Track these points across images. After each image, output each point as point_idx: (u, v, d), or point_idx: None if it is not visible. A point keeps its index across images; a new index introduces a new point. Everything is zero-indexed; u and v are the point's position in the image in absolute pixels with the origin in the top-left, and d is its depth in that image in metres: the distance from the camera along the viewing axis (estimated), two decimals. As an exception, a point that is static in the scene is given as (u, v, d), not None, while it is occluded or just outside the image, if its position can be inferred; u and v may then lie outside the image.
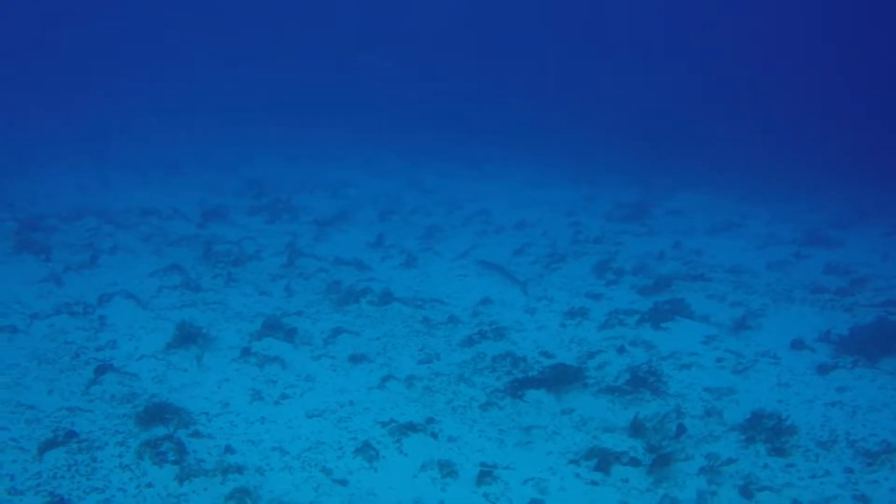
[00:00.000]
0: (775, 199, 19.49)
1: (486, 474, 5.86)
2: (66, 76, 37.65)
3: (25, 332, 8.27)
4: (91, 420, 6.39)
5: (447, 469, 5.90)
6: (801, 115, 29.89)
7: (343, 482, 5.72)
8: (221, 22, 49.76)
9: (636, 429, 6.66)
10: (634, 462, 6.12)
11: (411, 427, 6.46)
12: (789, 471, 6.15)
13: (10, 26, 44.52)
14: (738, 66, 37.36)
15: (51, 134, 26.05)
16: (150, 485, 5.46)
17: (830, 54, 36.05)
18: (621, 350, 8.53)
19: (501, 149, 27.98)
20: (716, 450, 6.40)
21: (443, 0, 48.20)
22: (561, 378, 7.45)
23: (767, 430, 6.61)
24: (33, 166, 19.95)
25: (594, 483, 5.89)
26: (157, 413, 6.37)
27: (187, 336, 8.06)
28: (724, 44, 41.03)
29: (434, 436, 6.44)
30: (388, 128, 30.94)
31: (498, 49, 45.64)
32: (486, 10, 48.81)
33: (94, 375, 7.19)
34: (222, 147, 25.50)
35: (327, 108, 34.43)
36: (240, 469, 5.72)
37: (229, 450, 6.06)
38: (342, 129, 30.54)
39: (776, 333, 9.27)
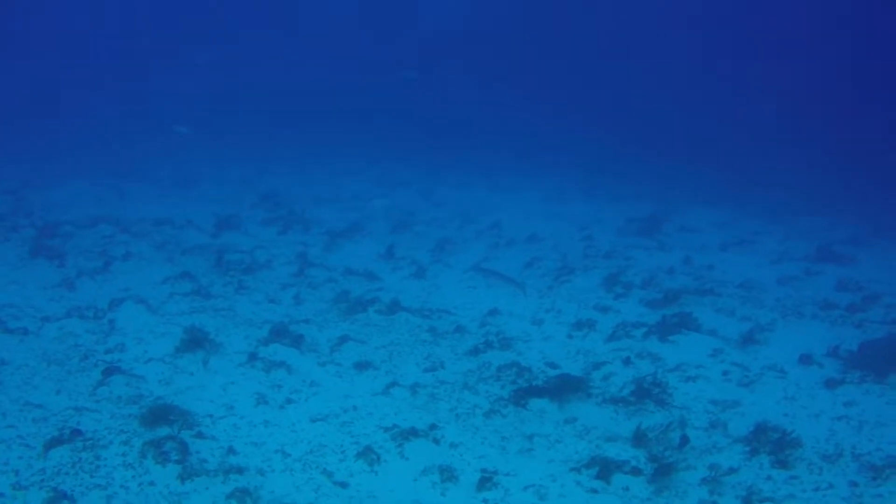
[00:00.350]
0: (791, 214, 19.36)
1: (486, 480, 5.87)
2: (85, 87, 38.31)
3: (36, 334, 8.39)
4: (97, 420, 6.47)
5: (447, 474, 5.92)
6: (819, 129, 29.74)
7: (343, 484, 5.75)
8: (233, 30, 50.41)
9: (639, 439, 6.64)
10: (636, 471, 6.10)
11: (413, 432, 6.49)
12: (792, 483, 6.11)
13: (24, 31, 45.38)
14: (756, 81, 37.29)
15: (70, 144, 26.47)
16: (152, 483, 5.52)
17: (851, 68, 35.91)
18: (627, 362, 8.52)
19: (516, 160, 28.05)
20: (719, 461, 6.38)
21: (456, 10, 48.49)
22: (565, 388, 7.45)
23: (772, 443, 6.58)
24: (53, 177, 20.21)
25: (594, 491, 5.88)
26: (161, 414, 6.45)
27: (195, 341, 8.15)
28: (742, 58, 41.01)
29: (436, 441, 6.47)
30: (402, 139, 31.10)
31: (513, 60, 45.74)
32: (501, 20, 49.06)
33: (102, 377, 7.28)
34: (238, 161, 25.75)
35: (341, 121, 34.68)
36: (241, 470, 5.77)
37: (232, 451, 6.11)
38: (356, 141, 30.72)
39: (784, 348, 9.21)
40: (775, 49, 40.91)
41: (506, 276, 11.35)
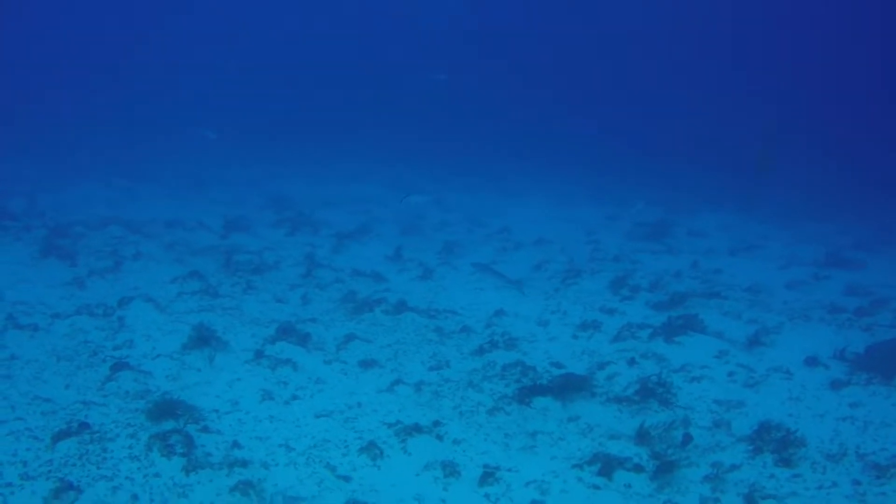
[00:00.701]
0: (799, 219, 19.35)
1: (488, 475, 5.90)
2: (87, 88, 38.76)
3: (47, 330, 8.48)
4: (104, 413, 6.54)
5: (450, 469, 5.94)
6: (831, 133, 29.64)
7: (346, 478, 5.79)
8: (250, 35, 50.80)
9: (642, 436, 6.65)
10: (638, 468, 6.11)
11: (417, 428, 6.52)
12: (795, 481, 6.10)
13: (43, 34, 45.92)
14: (766, 84, 37.20)
15: (79, 146, 26.75)
16: (157, 475, 5.58)
17: (864, 72, 35.76)
18: (632, 362, 8.53)
19: (524, 165, 28.12)
20: (722, 459, 6.38)
21: (466, 13, 48.61)
22: (568, 386, 7.47)
23: (775, 442, 6.57)
24: (64, 179, 20.44)
25: (596, 487, 5.90)
26: (168, 409, 6.50)
27: (202, 338, 8.22)
28: (750, 59, 40.93)
29: (439, 438, 6.50)
30: (413, 144, 31.18)
31: (519, 62, 45.72)
32: (507, 22, 49.13)
33: (110, 372, 7.36)
34: (245, 162, 25.97)
35: (353, 125, 34.80)
36: (245, 463, 5.82)
37: (236, 445, 6.16)
38: (368, 146, 30.83)
39: (790, 350, 9.20)
40: (781, 51, 40.83)
41: (504, 276, 11.40)
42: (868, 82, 35.02)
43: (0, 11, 43.26)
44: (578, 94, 41.36)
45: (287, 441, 6.34)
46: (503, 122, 36.59)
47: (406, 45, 47.32)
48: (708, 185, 24.56)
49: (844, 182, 24.07)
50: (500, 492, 5.76)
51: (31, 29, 47.10)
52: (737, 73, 40.24)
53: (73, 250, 12.06)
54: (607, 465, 6.09)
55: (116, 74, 42.09)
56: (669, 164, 27.37)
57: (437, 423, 6.74)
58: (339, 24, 52.37)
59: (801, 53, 40.50)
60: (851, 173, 25.11)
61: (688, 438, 6.67)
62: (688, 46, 44.61)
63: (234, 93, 39.77)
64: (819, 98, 34.08)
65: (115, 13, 50.58)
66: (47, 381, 7.18)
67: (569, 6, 48.49)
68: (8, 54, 42.59)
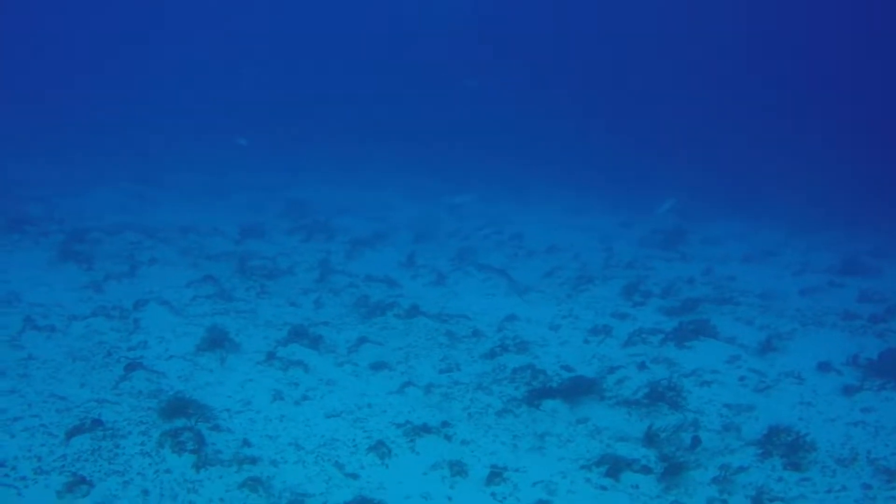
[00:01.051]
0: (816, 227, 19.25)
1: (495, 475, 5.92)
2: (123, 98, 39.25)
3: (63, 331, 8.62)
4: (117, 411, 6.63)
5: (457, 468, 5.98)
6: (846, 142, 29.48)
7: (354, 476, 5.84)
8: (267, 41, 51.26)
9: (650, 439, 6.66)
10: (646, 470, 6.12)
11: (425, 429, 6.57)
12: (804, 484, 6.08)
13: (59, 38, 46.56)
14: (781, 92, 37.05)
15: (97, 152, 27.09)
16: (168, 471, 5.66)
17: (882, 79, 35.53)
18: (642, 366, 8.52)
19: (541, 173, 28.15)
20: (731, 462, 6.37)
21: (482, 20, 48.75)
22: (578, 389, 7.49)
23: (785, 446, 6.55)
24: (82, 185, 20.69)
25: (604, 488, 5.91)
26: (180, 407, 6.59)
27: (216, 340, 8.32)
28: (767, 69, 40.77)
29: (448, 438, 6.54)
30: (430, 152, 31.29)
31: (535, 69, 45.70)
32: (519, 26, 49.20)
33: (124, 372, 7.46)
34: (262, 168, 26.21)
35: (371, 132, 34.98)
36: (254, 460, 5.89)
37: (246, 443, 6.23)
38: (387, 153, 30.97)
39: (803, 356, 9.17)
40: (797, 55, 40.66)
41: (503, 272, 11.44)
42: (886, 89, 34.77)
43: (5, 12, 43.98)
44: (593, 99, 41.32)
45: (297, 440, 6.40)
46: (519, 130, 36.64)
47: (425, 52, 47.50)
48: (723, 193, 24.48)
49: (860, 190, 23.90)
50: (507, 491, 5.78)
51: (47, 33, 47.83)
52: (751, 79, 40.12)
53: (90, 255, 12.22)
54: (615, 467, 6.10)
55: (129, 78, 42.63)
56: (685, 172, 27.30)
57: (445, 424, 6.78)
58: (358, 28, 52.76)
59: (818, 60, 40.32)
60: (867, 181, 24.92)
61: (696, 441, 6.66)
62: (702, 54, 44.48)
63: (254, 98, 40.07)
64: (834, 106, 33.88)
65: (127, 17, 51.25)
66: (63, 380, 7.30)
67: (580, 10, 48.54)
68: (21, 57, 43.25)
